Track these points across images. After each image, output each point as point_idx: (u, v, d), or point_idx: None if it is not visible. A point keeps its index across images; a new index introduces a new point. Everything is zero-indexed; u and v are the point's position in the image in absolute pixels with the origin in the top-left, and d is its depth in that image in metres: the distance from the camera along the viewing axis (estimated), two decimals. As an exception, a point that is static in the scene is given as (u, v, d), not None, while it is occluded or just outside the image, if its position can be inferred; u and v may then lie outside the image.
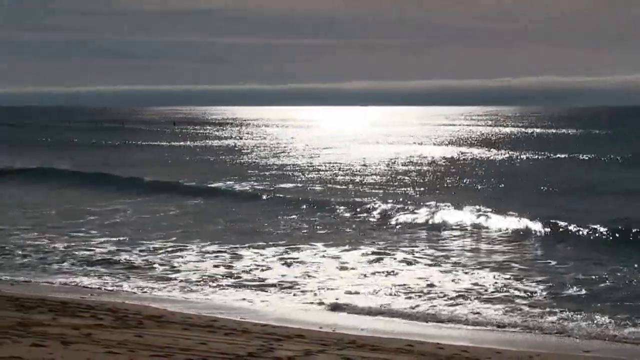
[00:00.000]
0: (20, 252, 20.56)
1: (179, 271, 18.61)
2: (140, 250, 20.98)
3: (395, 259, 19.90)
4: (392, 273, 18.28)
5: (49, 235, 23.08)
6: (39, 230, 24.12)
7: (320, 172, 44.31)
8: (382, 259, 19.89)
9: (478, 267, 18.91)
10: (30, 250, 20.84)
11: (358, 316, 14.75)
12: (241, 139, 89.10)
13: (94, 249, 21.24)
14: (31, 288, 16.38)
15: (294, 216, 27.34)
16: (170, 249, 21.17)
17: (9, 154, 56.31)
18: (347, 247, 21.51)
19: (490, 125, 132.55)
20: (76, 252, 20.65)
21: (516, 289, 16.66)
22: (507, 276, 17.81)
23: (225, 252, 20.73)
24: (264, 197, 32.25)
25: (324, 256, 20.32)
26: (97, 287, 16.96)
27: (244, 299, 16.02)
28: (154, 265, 19.20)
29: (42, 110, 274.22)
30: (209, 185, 36.30)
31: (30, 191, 34.93)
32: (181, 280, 17.69)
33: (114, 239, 22.65)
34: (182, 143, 78.09)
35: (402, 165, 49.27)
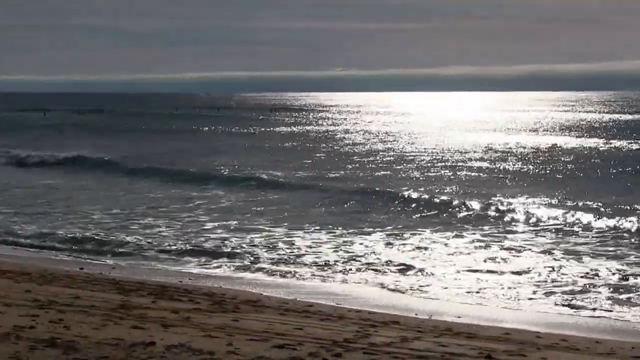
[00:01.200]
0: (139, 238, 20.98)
1: (276, 256, 18.74)
2: (241, 237, 21.21)
3: (502, 247, 19.80)
4: (495, 260, 18.15)
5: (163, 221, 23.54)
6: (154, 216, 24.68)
7: (419, 162, 44.15)
8: (489, 246, 19.85)
9: (589, 256, 18.59)
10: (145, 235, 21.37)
11: (454, 303, 14.64)
12: (337, 125, 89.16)
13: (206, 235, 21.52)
14: (131, 271, 16.72)
15: (395, 208, 27.08)
16: (273, 236, 21.32)
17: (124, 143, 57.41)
18: (453, 233, 21.57)
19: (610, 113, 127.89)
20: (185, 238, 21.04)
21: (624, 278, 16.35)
22: (621, 267, 17.45)
23: (330, 240, 20.76)
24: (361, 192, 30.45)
25: (432, 242, 20.37)
26: (197, 272, 17.22)
27: (343, 283, 16.12)
28: (253, 250, 19.38)
29: (149, 97, 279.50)
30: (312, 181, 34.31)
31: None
32: (273, 263, 17.83)
33: (223, 223, 23.07)
34: (294, 128, 78.74)
35: (506, 153, 48.77)
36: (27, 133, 69.19)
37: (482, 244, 20.10)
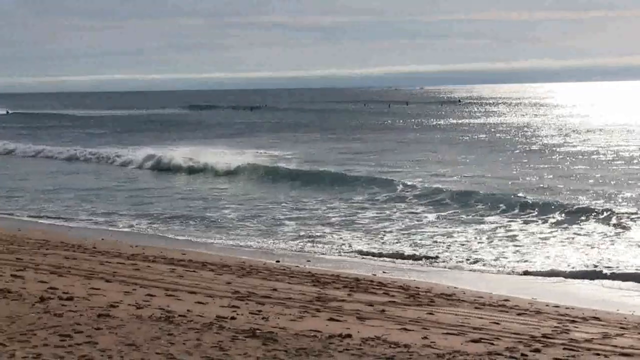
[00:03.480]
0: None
1: (477, 251, 18.55)
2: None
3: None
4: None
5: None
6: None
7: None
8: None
9: None
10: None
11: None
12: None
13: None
14: (326, 264, 16.97)
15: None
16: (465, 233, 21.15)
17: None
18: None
19: None
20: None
21: None
22: None
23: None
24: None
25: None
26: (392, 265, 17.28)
27: (533, 279, 15.74)
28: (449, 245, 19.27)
29: (339, 92, 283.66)
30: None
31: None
32: (470, 261, 17.64)
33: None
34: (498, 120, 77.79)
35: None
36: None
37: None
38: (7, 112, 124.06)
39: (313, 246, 19.22)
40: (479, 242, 19.36)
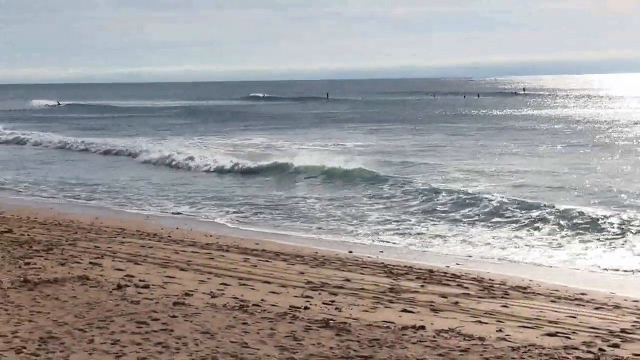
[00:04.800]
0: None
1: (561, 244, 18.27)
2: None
3: None
4: None
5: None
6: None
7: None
8: None
9: None
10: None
11: None
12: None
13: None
14: (399, 255, 16.90)
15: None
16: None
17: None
18: None
19: None
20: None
21: None
22: None
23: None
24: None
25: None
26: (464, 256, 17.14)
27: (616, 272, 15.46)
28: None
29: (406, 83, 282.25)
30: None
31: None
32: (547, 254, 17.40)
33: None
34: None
35: None
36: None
37: None
38: (58, 104, 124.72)
39: (388, 237, 19.16)
40: (551, 234, 19.06)
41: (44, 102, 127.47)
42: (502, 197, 23.73)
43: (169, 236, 17.49)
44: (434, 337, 9.00)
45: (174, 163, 37.00)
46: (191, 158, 37.42)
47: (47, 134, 54.61)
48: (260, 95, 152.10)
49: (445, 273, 14.21)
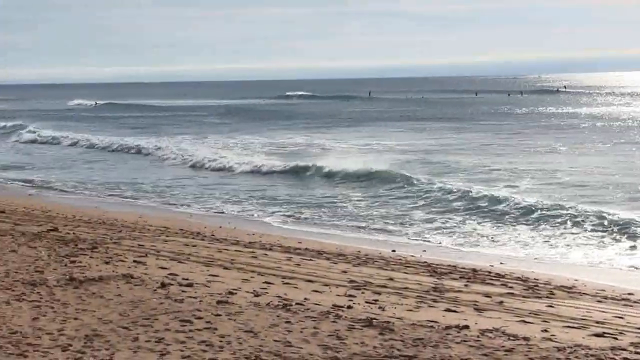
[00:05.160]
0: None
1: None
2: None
3: None
4: None
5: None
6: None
7: None
8: None
9: None
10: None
11: None
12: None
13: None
14: (442, 254, 16.82)
15: None
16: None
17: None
18: None
19: None
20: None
21: None
22: None
23: None
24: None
25: None
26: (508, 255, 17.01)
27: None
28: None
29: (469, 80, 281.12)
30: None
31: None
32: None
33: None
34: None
35: None
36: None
37: None
38: (96, 104, 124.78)
39: (431, 236, 19.09)
40: (596, 234, 18.84)
41: (81, 102, 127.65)
42: (546, 196, 23.54)
43: (212, 235, 17.56)
44: (478, 336, 8.93)
45: (215, 163, 37.14)
46: (232, 158, 37.60)
47: (90, 134, 55.07)
48: (301, 93, 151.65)
49: (489, 272, 14.09)
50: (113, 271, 11.90)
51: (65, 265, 12.31)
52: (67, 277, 11.25)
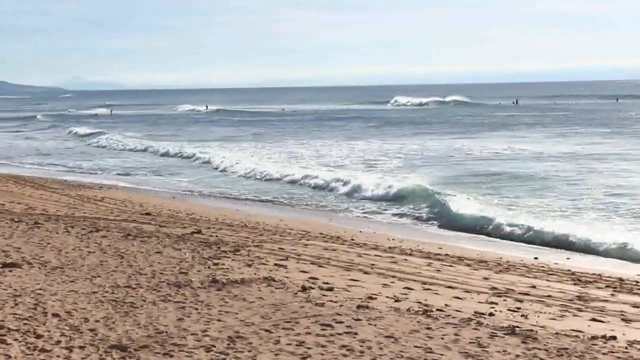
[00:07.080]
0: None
1: None
2: None
3: None
4: None
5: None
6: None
7: None
8: None
9: None
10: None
11: None
12: None
13: None
14: (585, 261, 16.36)
15: None
16: None
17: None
18: None
19: None
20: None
21: None
22: None
23: None
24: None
25: None
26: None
27: None
28: None
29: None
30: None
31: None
32: None
33: None
34: None
35: None
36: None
37: None
38: (207, 108, 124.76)
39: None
40: None
41: (193, 107, 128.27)
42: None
43: (352, 239, 17.62)
44: (626, 348, 8.62)
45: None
46: (376, 161, 37.80)
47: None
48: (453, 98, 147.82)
49: (637, 282, 13.60)
50: (255, 274, 12.08)
51: (209, 267, 12.58)
52: (211, 279, 11.49)
